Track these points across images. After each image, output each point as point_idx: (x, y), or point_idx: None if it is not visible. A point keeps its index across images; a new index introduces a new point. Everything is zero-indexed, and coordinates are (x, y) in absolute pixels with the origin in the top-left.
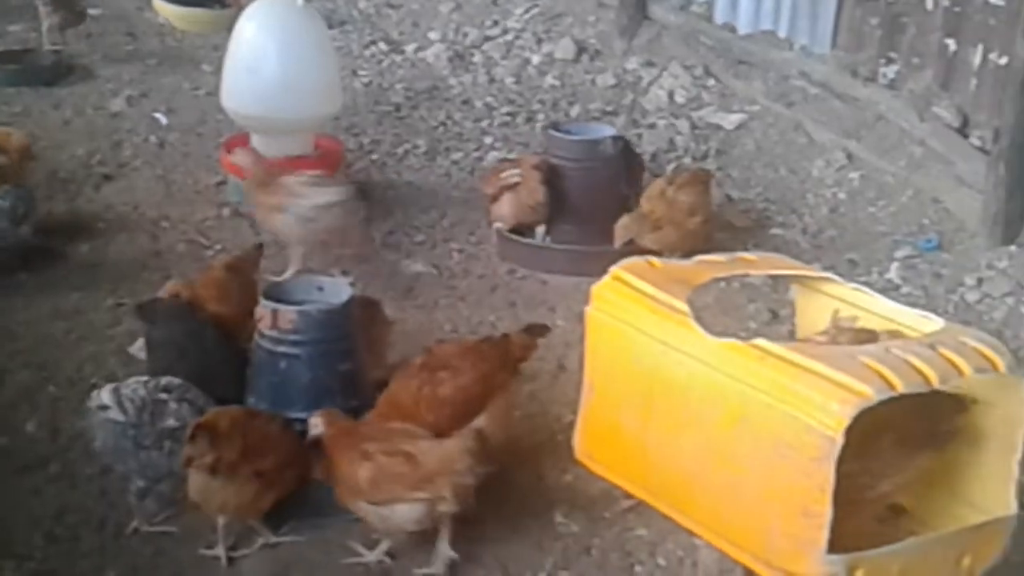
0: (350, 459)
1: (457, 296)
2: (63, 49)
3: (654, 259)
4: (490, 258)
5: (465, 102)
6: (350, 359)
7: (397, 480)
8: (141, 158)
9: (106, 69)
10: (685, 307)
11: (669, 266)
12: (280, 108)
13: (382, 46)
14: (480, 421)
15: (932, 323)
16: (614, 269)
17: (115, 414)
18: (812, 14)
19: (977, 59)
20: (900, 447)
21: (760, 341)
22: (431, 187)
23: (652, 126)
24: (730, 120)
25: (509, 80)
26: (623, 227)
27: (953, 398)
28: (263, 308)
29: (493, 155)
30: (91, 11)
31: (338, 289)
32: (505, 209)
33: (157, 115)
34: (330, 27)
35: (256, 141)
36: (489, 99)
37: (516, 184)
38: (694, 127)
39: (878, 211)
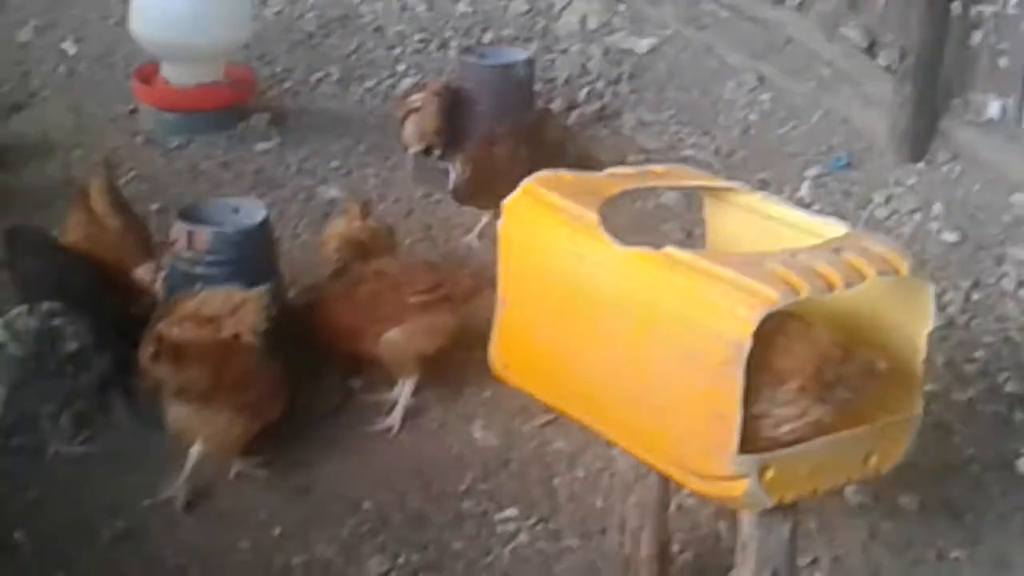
0: None
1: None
2: None
3: (565, 172)
4: (405, 183)
5: (377, 30)
6: (268, 280)
7: None
8: (50, 88)
9: (11, 2)
10: (595, 217)
11: (580, 178)
12: (189, 34)
13: None
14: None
15: (838, 229)
16: (524, 182)
17: (14, 349)
18: None
19: None
20: (804, 395)
21: (670, 248)
22: (346, 114)
23: (564, 52)
24: (642, 44)
25: (421, 8)
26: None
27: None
28: (178, 229)
29: (407, 82)
30: None
31: (253, 210)
32: (408, 133)
33: (65, 45)
34: None
35: (166, 69)
36: (401, 27)
37: (419, 108)
38: (606, 52)
39: (789, 131)
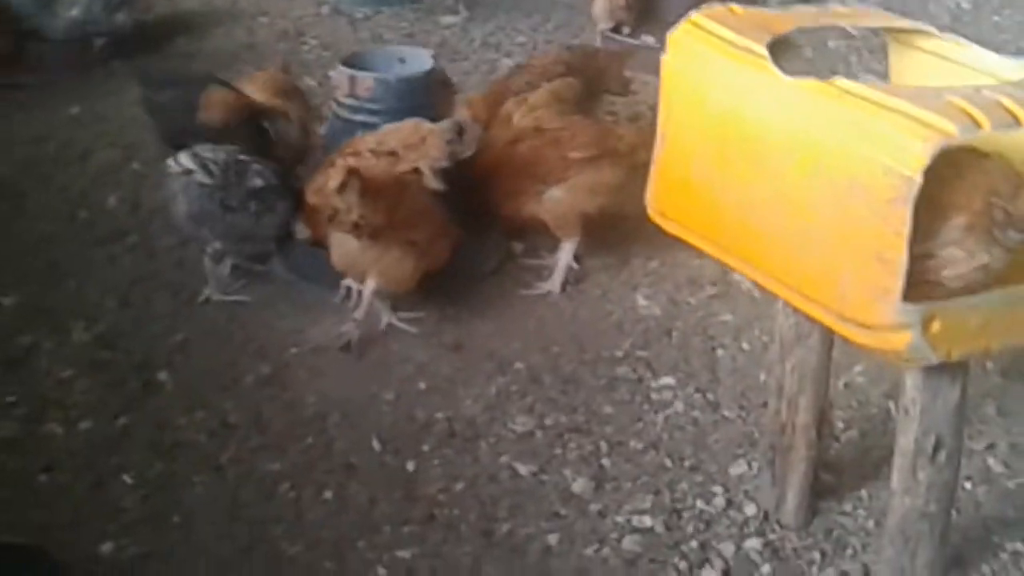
0: None
1: None
2: None
3: (735, 5)
4: None
5: None
6: None
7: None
8: None
9: None
10: (763, 51)
11: (751, 13)
12: None
13: None
14: (554, 191)
15: None
16: (692, 15)
17: (201, 177)
18: None
19: None
20: (971, 234)
21: (840, 79)
22: None
23: None
24: None
25: None
26: None
27: None
28: (340, 75)
29: None
30: None
31: (420, 60)
32: (598, 9)
33: None
34: None
35: None
36: None
37: None
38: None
39: (1002, 21)
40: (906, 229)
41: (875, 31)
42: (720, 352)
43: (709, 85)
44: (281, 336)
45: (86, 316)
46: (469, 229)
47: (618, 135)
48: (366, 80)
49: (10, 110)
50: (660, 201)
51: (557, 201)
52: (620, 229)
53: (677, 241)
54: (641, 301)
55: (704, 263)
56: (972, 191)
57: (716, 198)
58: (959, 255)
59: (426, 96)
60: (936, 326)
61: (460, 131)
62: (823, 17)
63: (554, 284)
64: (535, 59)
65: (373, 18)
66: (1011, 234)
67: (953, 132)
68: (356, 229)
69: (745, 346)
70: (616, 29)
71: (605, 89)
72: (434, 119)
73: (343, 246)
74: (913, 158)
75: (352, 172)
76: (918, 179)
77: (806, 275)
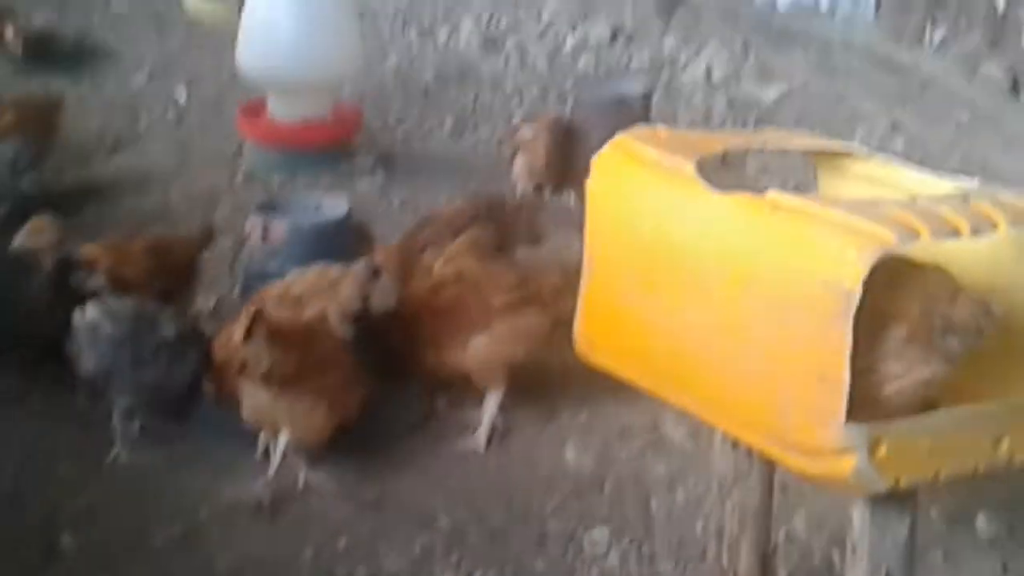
0: None
1: None
2: None
3: (661, 128)
4: None
5: (495, 84)
6: None
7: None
8: (157, 130)
9: (129, 52)
10: (691, 168)
11: (677, 134)
12: (296, 66)
13: (412, 33)
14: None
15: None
16: (616, 138)
17: (109, 328)
18: None
19: None
20: (912, 343)
21: (773, 193)
22: (456, 158)
23: (689, 102)
24: (769, 93)
25: (541, 63)
26: None
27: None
28: (253, 222)
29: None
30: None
31: (336, 207)
32: (517, 168)
33: (176, 92)
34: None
35: (272, 103)
36: (520, 80)
37: (528, 142)
38: (731, 102)
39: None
40: (846, 346)
41: (804, 154)
42: (654, 503)
43: (636, 206)
44: (193, 495)
45: None
46: (389, 382)
47: (541, 281)
48: (279, 226)
49: None
50: (588, 334)
51: (481, 349)
52: (547, 381)
53: (606, 392)
54: (571, 453)
55: (635, 413)
56: (909, 300)
57: (646, 325)
58: (899, 368)
59: (342, 243)
60: (883, 450)
61: (375, 273)
62: (751, 139)
63: (479, 439)
64: (441, 209)
65: (288, 183)
66: (951, 341)
67: (891, 240)
68: (266, 378)
69: (680, 497)
70: (538, 190)
71: (515, 239)
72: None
73: (253, 398)
74: (850, 269)
75: (257, 317)
76: (857, 291)
77: (744, 401)
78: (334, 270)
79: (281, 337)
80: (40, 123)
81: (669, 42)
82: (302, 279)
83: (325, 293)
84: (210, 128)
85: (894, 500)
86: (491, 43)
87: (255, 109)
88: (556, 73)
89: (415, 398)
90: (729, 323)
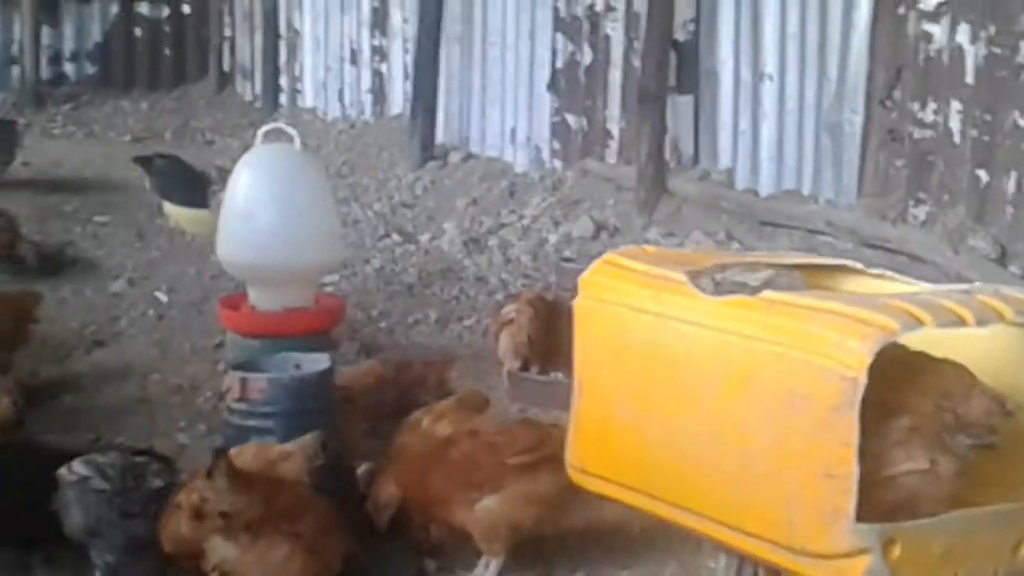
0: None
1: None
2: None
3: (648, 246)
4: (500, 401)
5: (480, 279)
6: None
7: None
8: (137, 328)
9: (110, 260)
10: (682, 276)
11: (666, 251)
12: (277, 256)
13: (395, 238)
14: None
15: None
16: (605, 255)
17: (98, 483)
18: (836, 165)
19: (1012, 187)
20: (918, 437)
21: (768, 292)
22: (441, 347)
23: None
24: (755, 278)
25: (525, 258)
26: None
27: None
28: (231, 378)
29: None
30: (98, 219)
31: (317, 363)
32: (502, 346)
33: (157, 294)
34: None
35: (253, 295)
36: (504, 276)
37: (511, 320)
38: (717, 287)
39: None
40: (853, 438)
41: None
42: None
43: (626, 317)
44: None
45: None
46: (374, 545)
47: (559, 439)
48: (258, 381)
49: None
50: (580, 455)
51: (489, 511)
52: (541, 544)
53: (603, 554)
54: None
55: (634, 572)
56: (921, 393)
57: (641, 440)
58: (902, 456)
59: (323, 399)
60: (897, 551)
61: (323, 447)
62: (742, 257)
63: None
64: (345, 374)
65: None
66: (961, 439)
67: (894, 328)
68: (228, 522)
69: None
70: (524, 367)
71: (423, 399)
72: (329, 424)
73: (219, 551)
74: (854, 357)
75: (221, 456)
76: (862, 380)
77: (747, 508)
78: (274, 448)
79: (245, 479)
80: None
81: (652, 234)
82: (239, 455)
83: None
84: (192, 326)
85: None
86: (474, 243)
87: (236, 302)
88: (540, 266)
89: (402, 561)
90: (729, 427)
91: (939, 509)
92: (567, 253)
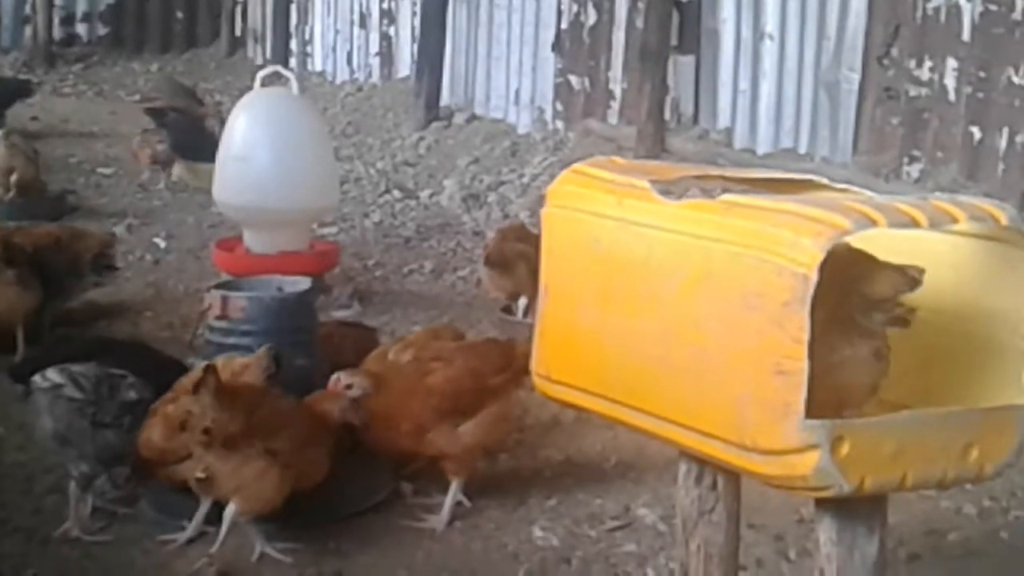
0: None
1: None
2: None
3: (619, 158)
4: None
5: (477, 233)
6: (307, 354)
7: None
8: (134, 270)
9: (111, 207)
10: (645, 183)
11: (634, 162)
12: (272, 198)
13: (396, 194)
14: (467, 425)
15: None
16: (573, 165)
17: (71, 391)
18: (832, 123)
19: (1003, 144)
20: (832, 325)
21: (728, 196)
22: (434, 295)
23: None
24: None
25: (524, 214)
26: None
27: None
28: (212, 297)
29: None
30: (102, 170)
31: (297, 284)
32: (485, 282)
33: (156, 239)
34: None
35: (248, 237)
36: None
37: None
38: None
39: None
40: (805, 334)
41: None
42: None
43: (590, 225)
44: (141, 570)
45: None
46: (351, 459)
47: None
48: (238, 300)
49: None
50: (545, 363)
51: (471, 434)
52: (518, 474)
53: (577, 482)
54: (538, 533)
55: (607, 499)
56: (829, 284)
57: (602, 345)
58: (824, 350)
59: (303, 319)
60: (846, 448)
61: (277, 360)
62: (708, 170)
63: (442, 518)
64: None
65: None
66: (875, 317)
67: (847, 226)
68: (208, 436)
69: (651, 573)
70: (507, 309)
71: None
72: (309, 344)
73: (200, 461)
74: (806, 254)
75: (209, 372)
76: (813, 277)
77: (702, 408)
78: (237, 360)
79: (230, 395)
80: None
81: None
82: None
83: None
84: (187, 269)
85: (862, 515)
86: (473, 199)
87: (231, 245)
88: (538, 222)
89: (381, 480)
90: (685, 328)
91: (868, 400)
92: None
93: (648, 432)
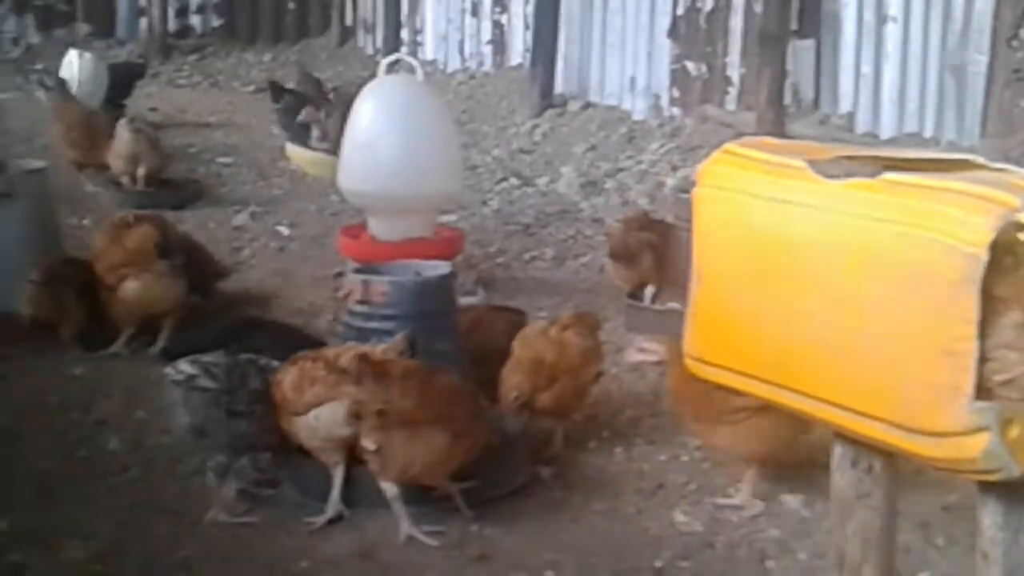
0: None
1: None
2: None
3: (770, 137)
4: (615, 329)
5: (596, 220)
6: (448, 338)
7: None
8: (259, 258)
9: (233, 196)
10: (802, 163)
11: (787, 142)
12: (398, 185)
13: (513, 181)
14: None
15: None
16: (725, 145)
17: (204, 381)
18: (959, 106)
19: None
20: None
21: (889, 175)
22: (556, 281)
23: None
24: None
25: (643, 201)
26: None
27: None
28: (352, 280)
29: None
30: (222, 160)
31: (437, 269)
32: (610, 270)
33: (279, 227)
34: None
35: (373, 225)
36: (621, 216)
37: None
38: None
39: None
40: (974, 315)
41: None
42: (770, 563)
43: (746, 206)
44: (290, 552)
45: (81, 535)
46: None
47: None
48: (380, 284)
49: (10, 371)
50: (698, 345)
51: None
52: (653, 457)
53: (715, 466)
54: (680, 517)
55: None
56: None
57: (759, 326)
58: (1013, 357)
59: (443, 302)
60: (1016, 430)
61: (412, 346)
62: (863, 149)
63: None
64: None
65: None
66: None
67: (1016, 204)
68: (382, 419)
69: (801, 556)
70: (633, 295)
71: None
72: (449, 327)
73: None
74: (977, 233)
75: (366, 359)
76: (983, 256)
77: (864, 390)
78: (376, 349)
79: (393, 374)
80: None
81: None
82: (344, 350)
83: None
84: (312, 257)
85: None
86: (591, 185)
87: (356, 232)
88: (658, 208)
89: (518, 459)
90: (848, 307)
91: None
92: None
93: (806, 413)
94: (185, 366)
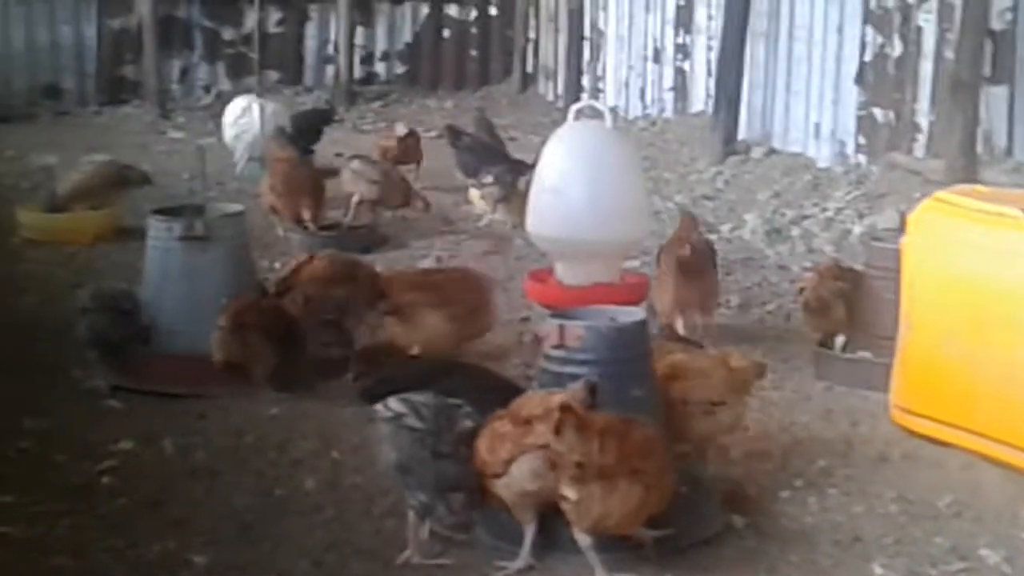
0: None
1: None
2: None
3: (980, 186)
4: (804, 377)
5: (781, 267)
6: (643, 384)
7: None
8: None
9: (418, 241)
10: (1017, 212)
11: (996, 191)
12: (586, 230)
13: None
14: None
15: None
16: (934, 194)
17: (413, 421)
18: None
19: None
20: None
21: None
22: (741, 328)
23: None
24: None
25: (829, 248)
26: None
27: None
28: (549, 325)
29: None
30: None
31: (631, 314)
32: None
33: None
34: None
35: (560, 269)
36: (807, 264)
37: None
38: None
39: None
40: None
41: None
42: None
43: (958, 255)
44: None
45: (278, 573)
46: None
47: None
48: (576, 329)
49: (209, 410)
50: (906, 396)
51: None
52: (848, 509)
53: (913, 519)
54: (878, 571)
55: (944, 538)
56: None
57: (972, 375)
58: None
59: (638, 348)
60: None
61: (593, 392)
62: None
63: None
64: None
65: None
66: None
67: None
68: (580, 471)
69: None
70: (824, 343)
71: None
72: (645, 373)
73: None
74: None
75: (567, 410)
76: None
77: None
78: (555, 398)
79: (593, 427)
80: None
81: None
82: (527, 401)
83: (543, 420)
84: (499, 301)
85: None
86: (776, 233)
87: (543, 276)
88: (845, 256)
89: (713, 512)
90: None
91: None
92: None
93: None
94: (395, 404)
